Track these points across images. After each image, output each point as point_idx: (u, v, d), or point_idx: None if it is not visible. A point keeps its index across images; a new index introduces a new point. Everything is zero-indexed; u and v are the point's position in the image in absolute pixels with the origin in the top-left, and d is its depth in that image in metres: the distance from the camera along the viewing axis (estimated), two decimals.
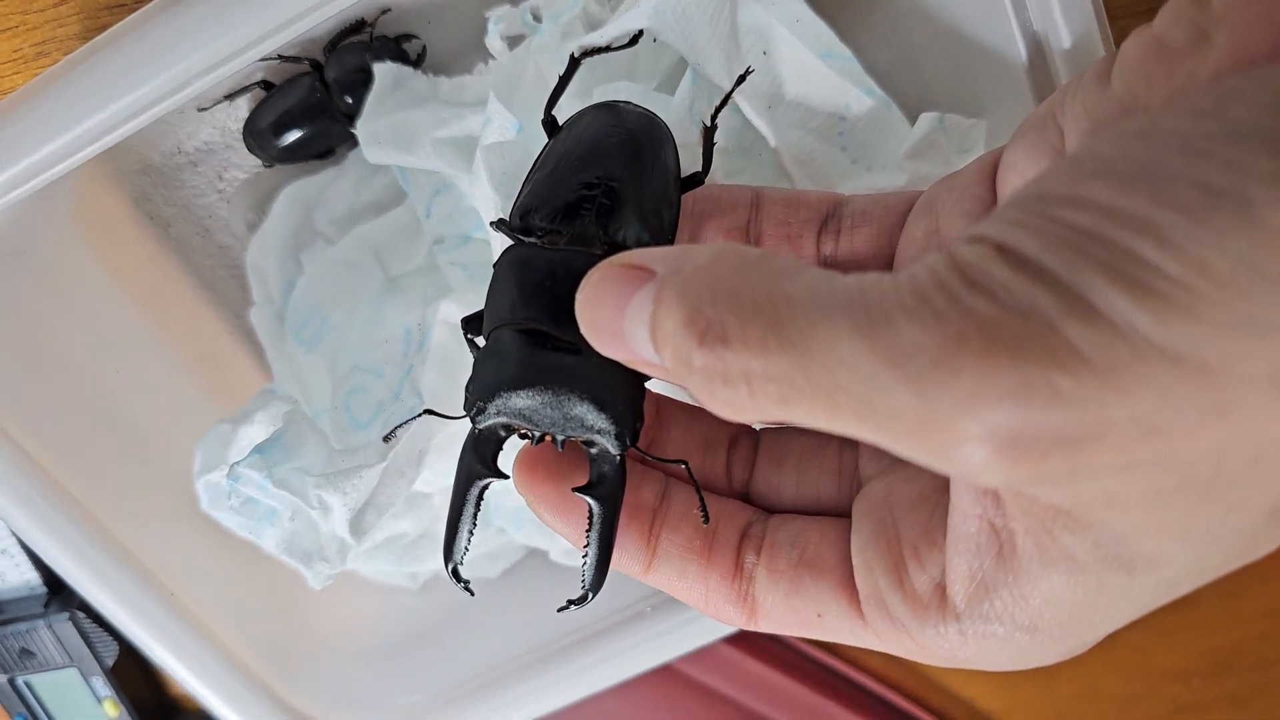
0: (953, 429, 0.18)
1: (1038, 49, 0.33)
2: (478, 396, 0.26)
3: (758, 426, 0.27)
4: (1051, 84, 0.33)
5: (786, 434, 0.30)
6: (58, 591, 0.53)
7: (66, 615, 0.52)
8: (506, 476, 0.27)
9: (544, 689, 0.46)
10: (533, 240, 0.29)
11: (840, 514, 0.28)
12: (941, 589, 0.24)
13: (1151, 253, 0.17)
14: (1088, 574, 0.21)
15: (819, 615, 0.26)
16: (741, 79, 0.31)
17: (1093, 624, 0.22)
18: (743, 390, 0.20)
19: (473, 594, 0.29)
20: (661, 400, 0.31)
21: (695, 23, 0.33)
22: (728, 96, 0.31)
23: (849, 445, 0.29)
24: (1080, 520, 0.20)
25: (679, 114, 0.34)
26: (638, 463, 0.29)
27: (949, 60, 0.37)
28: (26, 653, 0.53)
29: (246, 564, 0.47)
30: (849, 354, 0.19)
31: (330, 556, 0.40)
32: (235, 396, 0.48)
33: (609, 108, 0.32)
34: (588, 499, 0.27)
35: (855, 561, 0.26)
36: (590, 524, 0.27)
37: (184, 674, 0.46)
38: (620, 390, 0.26)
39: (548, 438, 0.27)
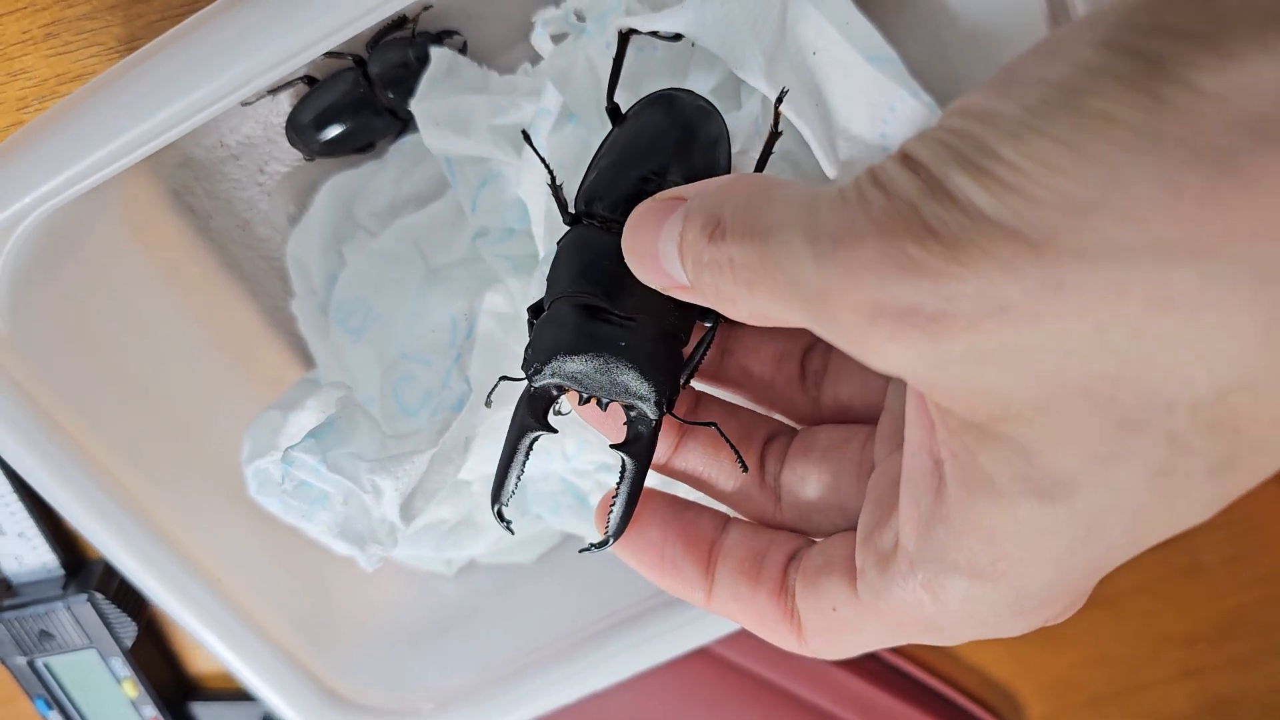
0: (837, 297, 0.21)
1: None
2: (535, 359, 0.29)
3: (746, 319, 0.27)
4: None
5: (817, 430, 0.31)
6: (75, 573, 0.54)
7: (84, 597, 0.52)
8: (555, 430, 0.30)
9: (581, 673, 0.47)
10: (594, 224, 0.31)
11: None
12: (897, 539, 0.25)
13: (994, 141, 0.20)
14: (1005, 499, 0.22)
15: (834, 609, 0.27)
16: (780, 99, 0.33)
17: (1025, 564, 0.23)
18: (728, 277, 0.24)
19: (513, 533, 0.32)
20: (701, 396, 0.33)
21: (738, 27, 0.34)
22: (777, 116, 0.33)
23: (871, 438, 0.30)
24: (989, 433, 0.21)
25: (744, 124, 0.35)
26: (686, 483, 0.32)
27: (980, 57, 0.38)
28: (45, 634, 0.54)
29: (283, 548, 0.47)
30: (789, 239, 0.23)
31: (382, 539, 0.41)
32: (272, 385, 0.49)
33: (668, 100, 0.33)
34: (622, 455, 0.29)
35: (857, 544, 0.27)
36: (621, 479, 0.30)
37: (227, 655, 0.46)
38: (662, 362, 0.29)
39: (593, 400, 0.29)
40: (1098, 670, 0.58)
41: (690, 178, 0.31)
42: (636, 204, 0.30)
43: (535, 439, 0.30)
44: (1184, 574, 0.55)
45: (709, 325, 0.31)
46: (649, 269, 0.27)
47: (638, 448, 0.29)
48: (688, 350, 0.31)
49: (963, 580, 0.24)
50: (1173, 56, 0.19)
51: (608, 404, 0.29)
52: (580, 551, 0.31)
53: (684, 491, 0.39)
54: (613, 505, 0.30)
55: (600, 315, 0.29)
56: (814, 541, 0.29)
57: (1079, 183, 0.19)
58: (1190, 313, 0.19)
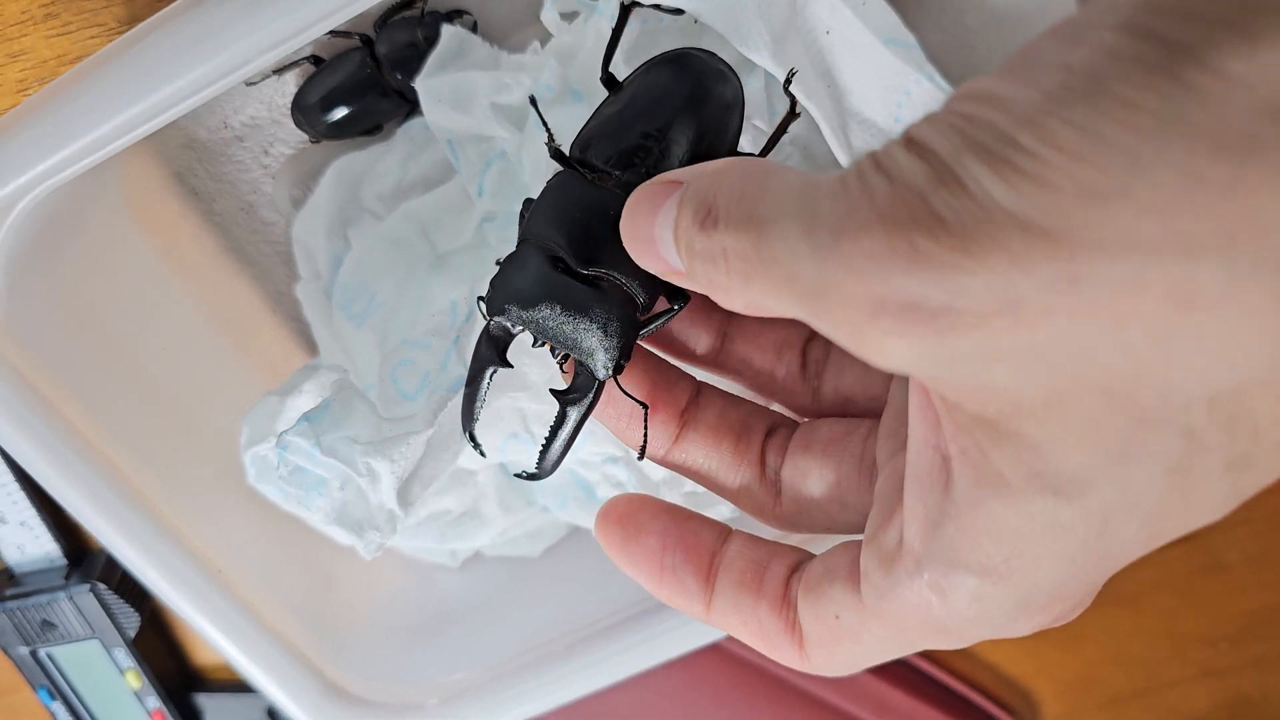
0: (836, 292, 0.20)
1: None
2: (495, 298, 0.30)
3: (741, 309, 0.27)
4: None
5: (818, 424, 0.31)
6: (78, 563, 0.53)
7: (87, 587, 0.52)
8: (511, 366, 0.31)
9: (589, 669, 0.46)
10: (585, 173, 0.31)
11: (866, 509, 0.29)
12: (901, 538, 0.24)
13: (1011, 127, 0.19)
14: (1018, 496, 0.21)
15: (836, 616, 0.26)
16: (789, 80, 0.32)
17: (1037, 561, 0.22)
18: (721, 267, 0.24)
19: (484, 455, 0.33)
20: (704, 386, 0.32)
21: (742, 3, 0.33)
22: (794, 98, 0.32)
23: (872, 432, 0.29)
24: (1000, 430, 0.21)
25: (754, 93, 0.34)
26: (686, 475, 0.32)
27: (1003, 44, 0.37)
28: (48, 624, 0.54)
29: (286, 539, 0.47)
30: (785, 231, 0.22)
31: (380, 526, 0.40)
32: (276, 372, 0.49)
33: (684, 58, 0.33)
34: (560, 402, 0.30)
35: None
36: (558, 424, 0.30)
37: (229, 648, 0.46)
38: (616, 327, 0.29)
39: (548, 345, 0.30)
40: (1116, 669, 0.57)
41: (696, 141, 0.31)
42: (633, 159, 0.31)
43: (494, 373, 0.31)
44: (1205, 572, 0.54)
45: (675, 307, 0.30)
46: (646, 254, 0.27)
47: (575, 397, 0.30)
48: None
49: (972, 579, 0.23)
50: (1200, 41, 0.18)
51: (561, 354, 0.30)
52: (514, 475, 0.32)
53: (685, 491, 0.38)
54: (544, 446, 0.30)
55: (565, 269, 0.29)
56: (813, 555, 0.29)
57: (1100, 171, 0.18)
58: (1212, 309, 0.18)
